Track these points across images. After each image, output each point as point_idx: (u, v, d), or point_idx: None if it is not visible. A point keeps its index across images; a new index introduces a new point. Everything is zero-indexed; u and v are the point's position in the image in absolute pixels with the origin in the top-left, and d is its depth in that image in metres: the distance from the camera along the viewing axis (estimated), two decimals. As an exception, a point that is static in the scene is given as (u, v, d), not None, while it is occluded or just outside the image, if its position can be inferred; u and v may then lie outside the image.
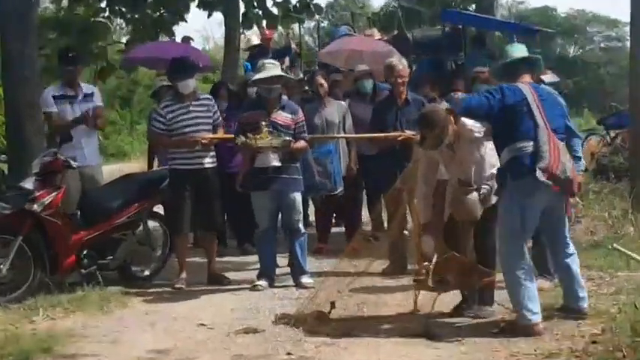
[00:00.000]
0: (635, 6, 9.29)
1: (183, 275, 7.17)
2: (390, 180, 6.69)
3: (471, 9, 18.29)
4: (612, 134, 13.73)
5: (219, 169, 7.40)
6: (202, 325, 5.90)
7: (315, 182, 7.69)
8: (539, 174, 5.18)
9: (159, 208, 7.74)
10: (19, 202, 6.65)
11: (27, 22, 9.11)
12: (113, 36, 16.59)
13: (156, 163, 9.01)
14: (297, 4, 14.10)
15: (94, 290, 6.73)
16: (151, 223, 7.49)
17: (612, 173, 10.94)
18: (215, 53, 21.21)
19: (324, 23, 27.62)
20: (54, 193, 6.80)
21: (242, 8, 13.75)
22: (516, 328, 5.35)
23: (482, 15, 13.87)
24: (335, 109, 8.38)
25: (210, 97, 7.65)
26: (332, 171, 8.14)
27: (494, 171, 5.57)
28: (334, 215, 9.20)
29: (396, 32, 13.81)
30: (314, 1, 14.36)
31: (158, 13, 13.78)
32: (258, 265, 7.25)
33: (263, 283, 6.98)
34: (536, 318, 5.32)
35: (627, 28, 12.58)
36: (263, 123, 6.86)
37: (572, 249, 5.65)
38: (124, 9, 13.70)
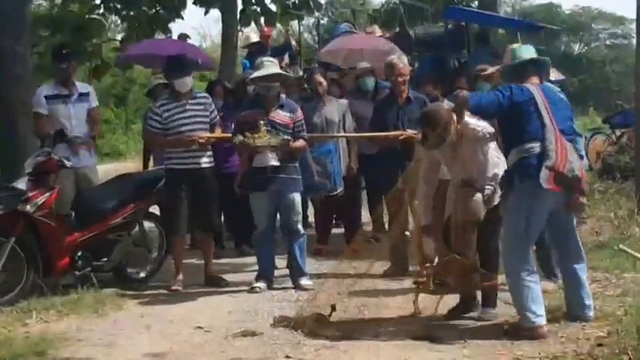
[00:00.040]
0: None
1: (180, 277, 7.11)
2: (391, 180, 6.69)
3: (473, 6, 18.25)
4: (618, 133, 13.68)
5: (216, 170, 7.35)
6: (199, 327, 5.85)
7: (314, 182, 7.63)
8: (544, 173, 5.15)
9: (155, 209, 7.73)
10: (11, 203, 6.59)
11: (20, 20, 9.10)
12: (108, 33, 16.55)
13: (151, 162, 8.99)
14: (296, 1, 14.04)
15: (88, 292, 6.68)
16: (147, 224, 7.45)
17: (618, 173, 10.89)
18: (212, 51, 21.18)
19: (324, 20, 27.61)
20: (47, 194, 6.74)
21: (240, 5, 13.69)
22: (520, 330, 5.31)
23: (486, 12, 13.80)
24: (335, 108, 8.33)
25: (207, 95, 7.62)
26: (332, 171, 8.11)
27: (497, 171, 5.53)
28: (334, 216, 9.12)
29: (397, 29, 13.75)
30: (313, -2, 14.29)
31: (154, 10, 13.75)
32: (256, 267, 7.20)
33: (261, 285, 6.92)
34: (540, 320, 5.28)
35: (633, 26, 12.54)
36: (261, 122, 6.81)
37: (583, 256, 5.62)
38: (118, 6, 13.68)
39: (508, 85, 5.43)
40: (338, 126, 8.26)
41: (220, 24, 14.07)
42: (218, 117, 7.36)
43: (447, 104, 5.89)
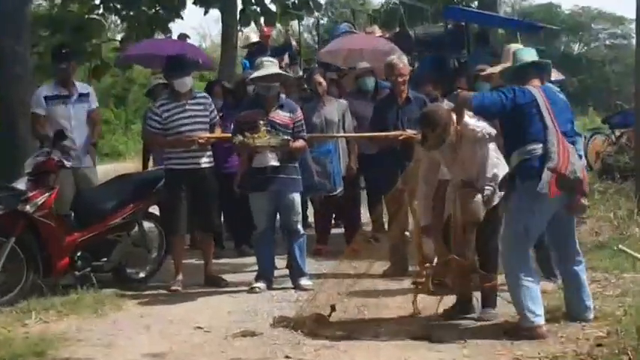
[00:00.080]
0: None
1: (180, 277, 7.10)
2: (390, 180, 6.68)
3: (473, 6, 18.24)
4: (617, 133, 13.66)
5: (216, 170, 7.34)
6: (199, 328, 5.83)
7: (313, 182, 7.61)
8: (546, 175, 5.14)
9: (154, 209, 7.71)
10: (11, 203, 6.57)
11: (20, 20, 9.09)
12: (108, 33, 16.53)
13: (151, 163, 8.97)
14: (296, 1, 14.03)
15: (88, 293, 6.67)
16: (147, 224, 7.44)
17: (617, 173, 10.88)
18: (212, 51, 21.17)
19: (324, 20, 27.59)
20: (47, 194, 6.73)
21: (239, 5, 13.68)
22: (520, 330, 5.31)
23: (485, 12, 13.79)
24: (334, 108, 8.32)
25: (207, 95, 7.61)
26: (331, 171, 8.09)
27: (497, 171, 5.53)
28: (333, 216, 9.11)
29: (397, 29, 13.74)
30: (313, -2, 14.29)
31: (153, 10, 13.73)
32: (255, 267, 7.18)
33: (261, 285, 6.90)
34: (539, 320, 5.27)
35: (633, 26, 12.53)
36: (261, 122, 6.79)
37: (581, 257, 5.63)
38: (118, 6, 13.67)
39: (511, 87, 5.43)
40: (338, 126, 8.24)
41: (220, 24, 14.08)
42: (218, 117, 7.35)
43: (446, 104, 5.88)
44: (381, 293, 6.63)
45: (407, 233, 7.03)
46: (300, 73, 10.81)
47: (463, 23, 12.53)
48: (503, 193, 5.49)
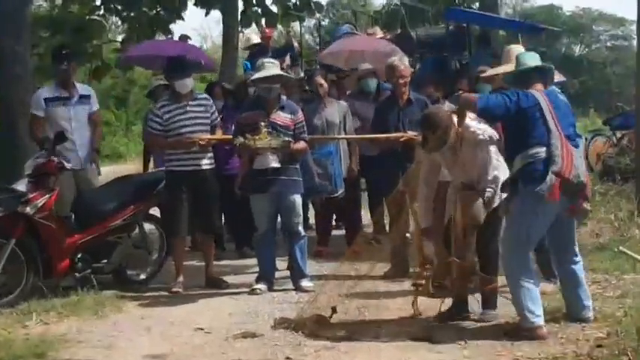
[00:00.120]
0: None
1: (180, 279, 7.09)
2: (391, 181, 6.67)
3: (474, 7, 18.20)
4: (618, 135, 13.65)
5: (217, 171, 7.33)
6: (200, 329, 5.83)
7: (314, 184, 7.58)
8: (550, 178, 5.14)
9: (155, 211, 7.68)
10: (11, 205, 6.57)
11: (20, 20, 9.10)
12: (108, 34, 16.54)
13: (152, 164, 8.95)
14: (297, 2, 14.03)
15: (88, 294, 6.67)
16: (147, 226, 7.43)
17: (618, 174, 10.87)
18: (213, 52, 21.18)
19: (325, 22, 27.57)
20: (47, 196, 6.72)
21: (241, 6, 13.68)
22: (520, 331, 5.31)
23: (487, 13, 13.77)
24: (335, 110, 8.31)
25: (208, 97, 7.59)
26: (332, 173, 8.08)
27: (497, 173, 5.53)
28: (334, 218, 9.10)
29: (399, 31, 13.72)
30: (314, -1, 14.31)
31: (154, 11, 13.73)
32: (256, 269, 7.18)
33: (262, 286, 6.90)
34: (539, 321, 5.28)
35: (634, 27, 12.52)
36: (262, 123, 6.78)
37: (579, 256, 5.64)
38: (119, 7, 13.69)
39: (515, 90, 5.42)
40: (339, 128, 8.23)
41: (221, 25, 14.09)
42: (219, 118, 7.35)
43: (447, 106, 5.88)
44: (382, 295, 6.62)
45: (408, 235, 7.02)
46: (302, 75, 10.81)
47: (464, 25, 12.52)
48: (504, 195, 5.49)
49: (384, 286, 6.92)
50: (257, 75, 6.99)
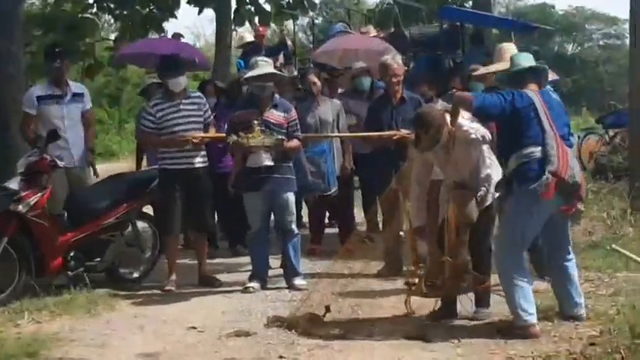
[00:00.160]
0: (634, 2, 9.18)
1: (173, 277, 7.08)
2: (385, 180, 6.68)
3: (467, 6, 18.22)
4: (611, 133, 13.68)
5: (210, 170, 7.31)
6: (193, 328, 5.82)
7: (308, 182, 7.59)
8: (546, 178, 5.14)
9: (148, 209, 7.67)
10: (3, 203, 6.55)
11: (12, 19, 9.07)
12: (101, 33, 16.51)
13: (145, 162, 8.94)
14: (291, 1, 14.02)
15: (81, 293, 6.64)
16: (140, 224, 7.42)
17: (611, 173, 10.90)
18: (206, 51, 21.13)
19: (319, 20, 27.55)
20: (39, 194, 6.71)
21: (234, 5, 13.65)
22: (513, 329, 5.32)
23: (480, 12, 13.78)
24: (329, 108, 8.31)
25: (201, 95, 7.58)
26: (326, 171, 8.07)
27: (489, 172, 5.53)
28: (328, 216, 9.10)
29: (393, 29, 13.72)
30: (308, -2, 14.29)
31: (147, 10, 13.70)
32: (250, 267, 7.18)
33: (255, 285, 6.89)
34: (532, 319, 5.29)
35: (626, 26, 12.53)
36: (255, 122, 6.78)
37: (572, 254, 5.65)
38: (112, 5, 13.65)
39: (510, 90, 5.43)
40: (332, 126, 8.23)
41: (214, 24, 14.06)
42: (212, 117, 7.34)
43: (441, 105, 5.87)
44: (376, 293, 6.62)
45: (401, 233, 7.02)
46: (295, 73, 10.80)
47: (458, 23, 12.52)
48: (497, 194, 5.49)
49: (378, 284, 6.92)
50: (250, 73, 6.98)
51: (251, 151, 6.78)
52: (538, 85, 5.54)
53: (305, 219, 9.31)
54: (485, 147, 5.57)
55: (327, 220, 9.18)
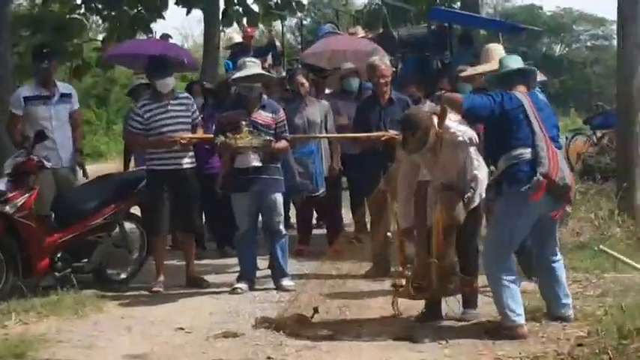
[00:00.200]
0: (622, 3, 9.20)
1: (161, 278, 7.07)
2: (373, 180, 6.68)
3: (455, 7, 18.25)
4: (599, 134, 13.71)
5: (198, 170, 7.31)
6: (180, 329, 5.81)
7: (295, 183, 7.59)
8: (537, 180, 5.14)
9: (136, 210, 7.65)
10: (-10, 204, 6.52)
11: (0, 20, 8.98)
12: (89, 33, 16.46)
13: (132, 163, 8.92)
14: (279, 1, 14.03)
15: (68, 294, 6.63)
16: (128, 225, 7.41)
17: (598, 174, 10.90)
18: (194, 51, 21.11)
19: (307, 21, 27.58)
20: (27, 195, 6.69)
21: (222, 5, 13.65)
22: (501, 330, 5.33)
23: (469, 13, 13.81)
24: (317, 109, 8.31)
25: (189, 96, 7.59)
26: (313, 172, 8.09)
27: (476, 173, 5.54)
28: (315, 217, 9.10)
29: (381, 30, 13.73)
30: (296, -2, 14.30)
31: (135, 11, 13.67)
32: (237, 268, 7.16)
33: (243, 286, 6.88)
34: (520, 319, 5.30)
35: (614, 27, 12.57)
36: (243, 122, 6.78)
37: (559, 255, 5.66)
38: (100, 6, 13.63)
39: (499, 92, 5.44)
40: (320, 127, 8.23)
41: (202, 24, 14.07)
42: (200, 117, 7.33)
43: (429, 106, 5.87)
44: (364, 294, 6.62)
45: (389, 234, 7.03)
46: (284, 74, 10.80)
47: (446, 24, 12.55)
48: (485, 195, 5.50)
49: (366, 285, 6.92)
50: (238, 74, 6.98)
51: (239, 151, 6.78)
52: (527, 87, 5.55)
53: (293, 220, 9.29)
54: (472, 149, 5.57)
55: (314, 221, 9.18)
